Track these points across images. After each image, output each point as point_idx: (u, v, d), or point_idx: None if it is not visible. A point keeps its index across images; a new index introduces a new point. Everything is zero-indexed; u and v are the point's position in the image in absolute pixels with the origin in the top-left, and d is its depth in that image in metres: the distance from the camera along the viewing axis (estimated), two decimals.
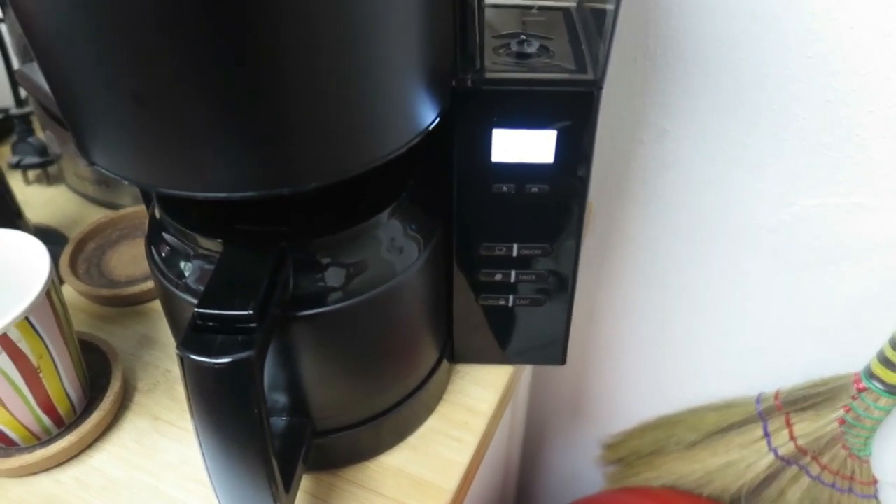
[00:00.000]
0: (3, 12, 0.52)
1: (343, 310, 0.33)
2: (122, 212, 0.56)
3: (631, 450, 0.77)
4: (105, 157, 0.27)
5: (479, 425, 0.42)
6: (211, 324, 0.28)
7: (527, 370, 0.68)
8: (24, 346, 0.35)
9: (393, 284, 0.34)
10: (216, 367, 0.27)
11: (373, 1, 0.24)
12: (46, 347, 0.37)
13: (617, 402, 0.78)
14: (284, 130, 0.25)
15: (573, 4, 0.39)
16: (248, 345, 0.27)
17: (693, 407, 0.70)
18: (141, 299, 0.50)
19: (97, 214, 0.58)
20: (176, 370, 0.46)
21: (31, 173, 0.62)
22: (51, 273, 0.36)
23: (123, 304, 0.50)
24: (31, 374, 0.36)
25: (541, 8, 0.39)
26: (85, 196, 0.60)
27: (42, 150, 0.61)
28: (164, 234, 0.35)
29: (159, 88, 0.23)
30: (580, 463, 0.87)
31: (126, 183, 0.28)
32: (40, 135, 0.61)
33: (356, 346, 0.36)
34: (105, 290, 0.49)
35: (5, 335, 0.34)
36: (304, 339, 0.34)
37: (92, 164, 0.29)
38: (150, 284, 0.50)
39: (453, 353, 0.44)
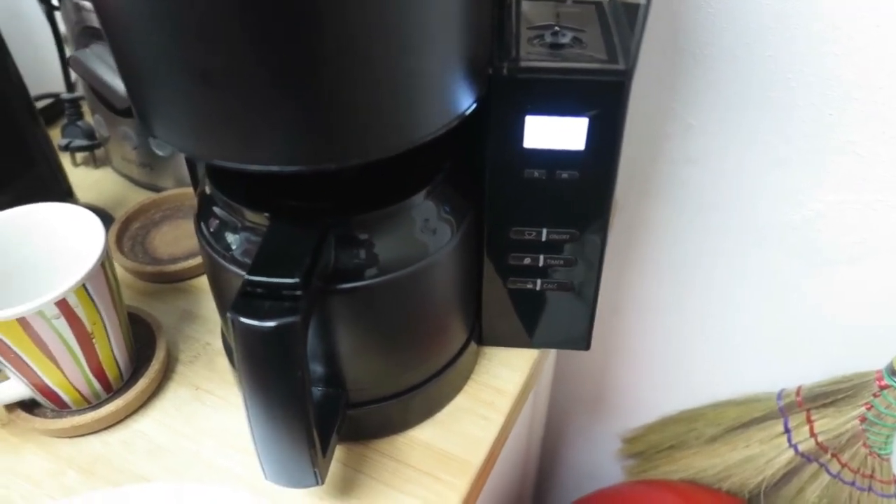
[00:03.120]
0: (60, 1, 0.55)
1: (377, 286, 0.35)
2: (164, 194, 0.59)
3: (650, 443, 0.78)
4: (166, 131, 0.29)
5: (504, 405, 0.44)
6: (259, 290, 0.30)
7: (550, 359, 0.69)
8: (80, 311, 0.37)
9: (425, 264, 0.36)
10: (264, 329, 0.29)
11: None
12: (100, 315, 0.39)
13: (637, 395, 0.79)
14: (335, 108, 0.27)
15: None
16: (294, 310, 0.29)
17: (714, 401, 0.71)
18: (182, 276, 0.53)
19: (141, 196, 0.61)
20: (216, 343, 0.48)
21: (79, 155, 0.65)
22: (106, 244, 0.39)
23: (166, 281, 0.53)
24: (84, 339, 0.39)
25: (574, 1, 0.40)
26: (129, 178, 0.63)
27: (90, 134, 0.64)
28: (213, 208, 0.37)
29: (225, 66, 0.25)
30: (599, 455, 0.88)
31: (184, 155, 0.30)
32: (89, 119, 0.64)
33: (389, 321, 0.37)
34: (149, 267, 0.52)
35: (64, 300, 0.36)
36: (341, 311, 0.36)
37: (153, 136, 0.31)
38: (191, 262, 0.52)
39: (481, 335, 0.46)
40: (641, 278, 0.68)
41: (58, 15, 0.57)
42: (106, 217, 0.59)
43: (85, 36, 0.54)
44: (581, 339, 0.46)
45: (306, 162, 0.28)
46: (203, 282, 0.53)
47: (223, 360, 0.47)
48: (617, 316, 0.73)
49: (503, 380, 0.45)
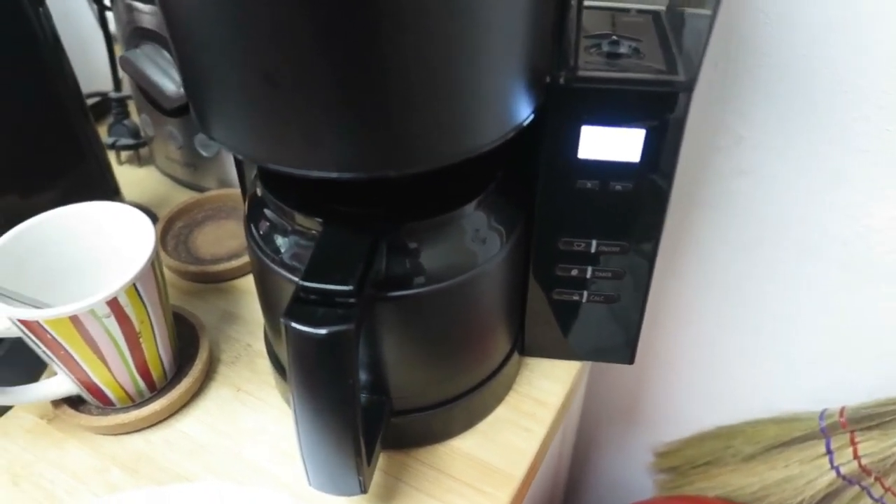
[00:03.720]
0: (112, 2, 0.56)
1: (426, 294, 0.35)
2: (207, 194, 0.59)
3: (685, 458, 0.76)
4: (225, 133, 0.29)
5: (547, 417, 0.43)
6: (313, 297, 0.29)
7: (586, 368, 0.68)
8: (129, 310, 0.38)
9: (474, 273, 0.36)
10: (317, 336, 0.28)
11: (487, 8, 0.25)
12: (148, 314, 0.39)
13: (673, 408, 0.78)
14: (397, 117, 0.26)
15: (663, 8, 0.40)
16: (347, 318, 0.29)
17: (753, 419, 0.70)
18: (224, 277, 0.53)
19: (183, 195, 0.62)
20: (256, 345, 0.48)
21: (124, 154, 0.66)
22: (156, 245, 0.39)
23: (208, 281, 0.53)
24: (132, 339, 0.39)
25: (633, 10, 0.39)
26: (172, 177, 0.64)
27: (135, 133, 0.64)
28: (264, 210, 0.37)
29: (291, 71, 0.25)
30: (631, 468, 0.87)
31: (241, 158, 0.30)
32: (134, 118, 0.65)
33: (436, 330, 0.37)
34: (192, 267, 0.52)
35: (115, 299, 0.37)
36: (389, 319, 0.35)
37: (211, 138, 0.31)
38: (233, 263, 0.53)
39: (523, 345, 0.45)
40: (683, 289, 0.67)
41: (108, 15, 0.58)
42: (150, 215, 0.59)
43: (135, 36, 0.55)
44: (625, 352, 0.45)
45: (365, 169, 0.28)
46: (244, 283, 0.53)
47: (264, 362, 0.47)
48: (656, 326, 0.72)
49: (545, 391, 0.45)
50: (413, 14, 0.24)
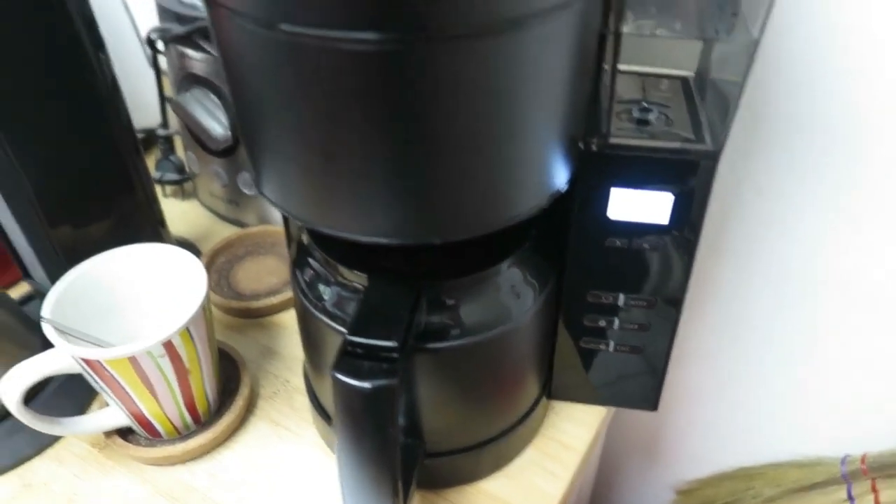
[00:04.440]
0: (165, 47, 0.59)
1: (461, 347, 0.37)
2: (248, 230, 0.62)
3: (705, 498, 0.77)
4: (279, 195, 0.32)
5: (572, 460, 0.45)
6: (359, 350, 0.32)
7: (611, 412, 0.69)
8: (182, 351, 0.40)
9: (508, 328, 0.38)
10: (364, 390, 0.30)
11: (530, 86, 0.27)
12: (197, 353, 0.42)
13: (694, 447, 0.79)
14: (443, 190, 0.29)
15: (692, 74, 0.42)
16: (392, 373, 0.31)
17: (774, 461, 0.70)
18: (264, 313, 0.55)
19: (224, 230, 0.64)
20: (294, 381, 0.50)
21: (168, 188, 0.69)
22: (208, 290, 0.41)
23: (248, 316, 0.55)
24: (182, 375, 0.41)
25: (661, 76, 0.42)
26: (215, 212, 0.67)
27: (181, 169, 0.67)
28: (309, 259, 0.39)
29: (347, 147, 0.27)
30: None
31: (293, 219, 0.33)
32: (180, 154, 0.68)
33: (470, 379, 0.39)
34: (234, 302, 0.55)
35: (170, 341, 0.39)
36: (425, 369, 0.37)
37: (263, 195, 0.33)
38: (273, 300, 0.55)
39: (550, 389, 0.47)
40: (705, 330, 0.68)
41: (162, 59, 0.61)
42: (193, 249, 0.62)
43: (187, 81, 0.58)
44: (649, 399, 0.47)
45: (413, 237, 0.30)
46: (282, 318, 0.56)
47: (301, 399, 0.49)
48: (677, 366, 0.73)
49: (571, 435, 0.46)
50: (463, 99, 0.26)
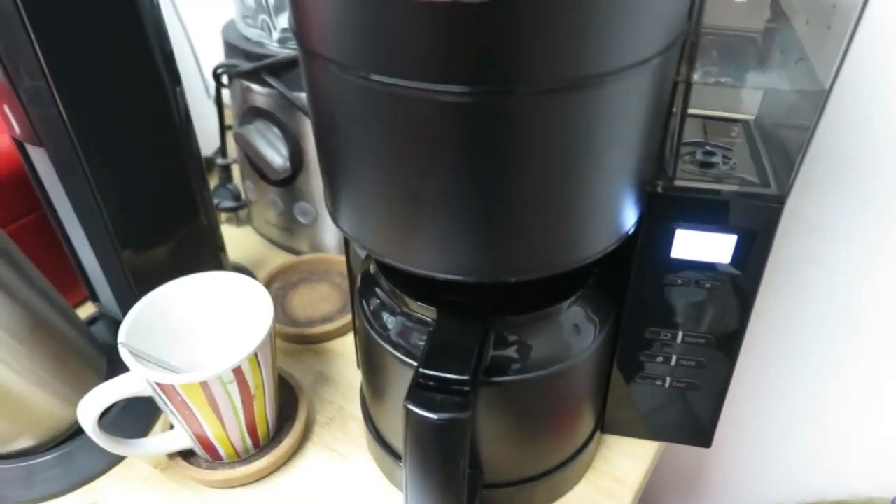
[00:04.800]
0: (230, 82, 0.61)
1: (523, 381, 0.37)
2: (303, 258, 0.63)
3: None
4: (358, 231, 0.33)
5: (625, 496, 0.45)
6: (432, 383, 0.32)
7: (663, 447, 0.69)
8: (249, 376, 0.41)
9: (569, 363, 0.38)
10: (436, 422, 0.31)
11: (610, 136, 0.28)
12: (262, 378, 0.43)
13: (737, 484, 0.78)
14: (521, 232, 0.30)
15: (752, 117, 0.42)
16: (464, 406, 0.32)
17: (822, 500, 0.69)
18: (318, 339, 0.57)
19: (278, 256, 0.66)
20: (349, 407, 0.51)
21: (224, 215, 0.71)
22: (274, 318, 0.43)
23: (302, 342, 0.57)
24: (247, 401, 0.43)
25: (722, 119, 0.42)
26: (269, 239, 0.68)
27: (237, 196, 0.70)
28: (375, 288, 0.40)
29: (434, 192, 0.28)
30: None
31: (369, 253, 0.34)
32: (237, 182, 0.70)
33: (530, 413, 0.40)
34: (290, 329, 0.56)
35: (239, 367, 0.40)
36: (489, 402, 0.38)
37: (339, 227, 0.35)
38: (327, 327, 0.56)
39: (603, 423, 0.47)
40: (754, 366, 0.68)
41: (225, 92, 0.63)
42: (249, 275, 0.64)
43: (250, 114, 0.60)
44: (703, 436, 0.47)
45: (489, 276, 0.31)
46: (336, 345, 0.57)
47: (356, 425, 0.50)
48: (727, 402, 0.73)
49: (623, 469, 0.47)
50: (547, 149, 0.27)
